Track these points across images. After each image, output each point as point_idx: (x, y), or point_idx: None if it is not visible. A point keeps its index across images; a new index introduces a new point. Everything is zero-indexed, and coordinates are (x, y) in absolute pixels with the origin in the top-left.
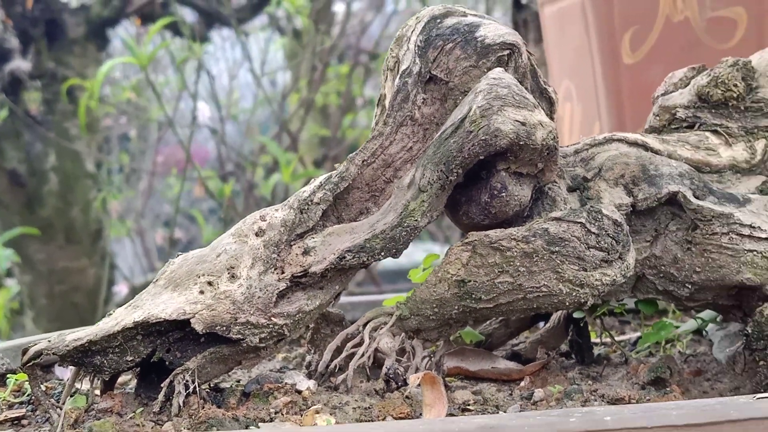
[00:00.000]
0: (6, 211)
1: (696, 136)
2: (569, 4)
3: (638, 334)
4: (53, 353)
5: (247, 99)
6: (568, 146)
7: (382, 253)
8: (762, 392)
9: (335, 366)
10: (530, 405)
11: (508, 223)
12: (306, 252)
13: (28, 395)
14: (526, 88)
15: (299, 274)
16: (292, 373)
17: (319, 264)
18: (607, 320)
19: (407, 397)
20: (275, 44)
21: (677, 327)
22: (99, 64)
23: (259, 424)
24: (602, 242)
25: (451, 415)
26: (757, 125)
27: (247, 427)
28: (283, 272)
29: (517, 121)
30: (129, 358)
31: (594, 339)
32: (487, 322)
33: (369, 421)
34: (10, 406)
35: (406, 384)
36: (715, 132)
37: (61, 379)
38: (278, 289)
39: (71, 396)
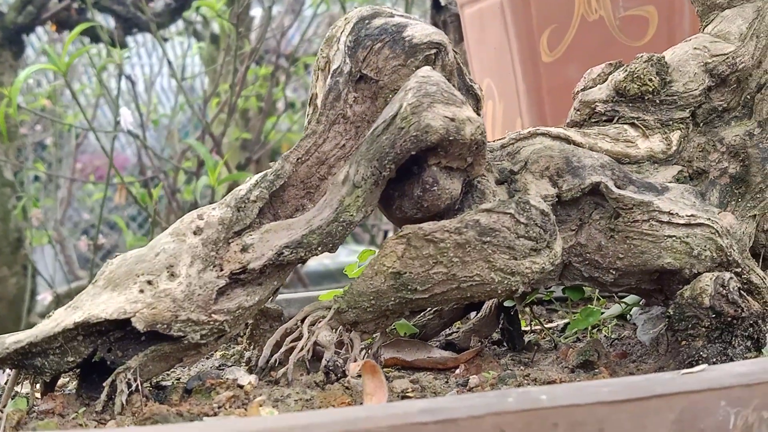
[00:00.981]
0: None
1: (615, 129)
2: (489, 4)
3: (566, 320)
4: None
5: (165, 105)
6: (494, 141)
7: (320, 248)
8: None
9: (275, 360)
10: (466, 390)
11: (440, 216)
12: (244, 249)
13: None
14: (454, 86)
15: (238, 271)
16: (232, 368)
17: (258, 260)
18: (536, 308)
19: (347, 388)
20: (192, 49)
21: (603, 313)
22: (15, 71)
23: (203, 418)
24: (531, 231)
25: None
26: (672, 117)
27: (191, 421)
28: (222, 269)
29: (446, 117)
30: (70, 359)
31: (524, 327)
32: (421, 314)
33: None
34: None
35: (345, 375)
36: (632, 125)
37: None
38: (218, 286)
39: (12, 398)
